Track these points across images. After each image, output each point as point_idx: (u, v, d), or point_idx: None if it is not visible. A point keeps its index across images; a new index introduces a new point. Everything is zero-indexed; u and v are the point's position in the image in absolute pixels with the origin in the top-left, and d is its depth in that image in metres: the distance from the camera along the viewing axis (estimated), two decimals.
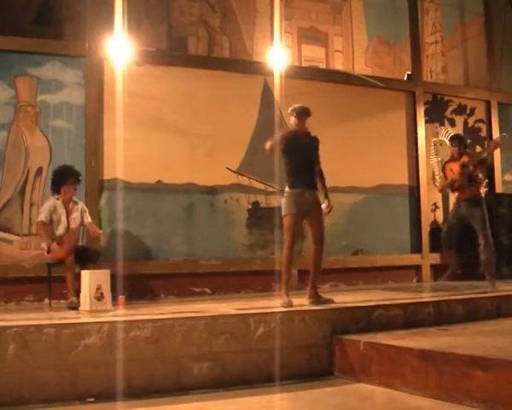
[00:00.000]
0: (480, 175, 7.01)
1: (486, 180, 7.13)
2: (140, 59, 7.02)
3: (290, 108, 5.64)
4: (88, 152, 6.66)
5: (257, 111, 7.61)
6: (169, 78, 7.18)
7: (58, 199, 5.88)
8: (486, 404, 3.47)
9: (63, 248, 5.63)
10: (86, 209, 6.07)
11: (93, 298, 5.10)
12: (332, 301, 5.33)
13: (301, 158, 5.43)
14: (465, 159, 6.82)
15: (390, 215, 8.28)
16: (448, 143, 7.71)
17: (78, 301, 5.30)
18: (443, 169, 7.27)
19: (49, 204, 5.87)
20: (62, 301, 5.85)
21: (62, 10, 6.92)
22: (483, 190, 6.91)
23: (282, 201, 5.51)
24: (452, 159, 7.09)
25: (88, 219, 6.02)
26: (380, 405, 3.83)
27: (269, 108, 7.61)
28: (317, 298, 5.36)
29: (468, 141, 9.01)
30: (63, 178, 5.90)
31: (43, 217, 5.82)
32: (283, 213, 5.42)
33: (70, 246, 5.67)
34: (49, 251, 5.67)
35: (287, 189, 5.46)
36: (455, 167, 6.93)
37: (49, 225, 5.81)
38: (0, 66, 6.42)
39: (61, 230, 5.81)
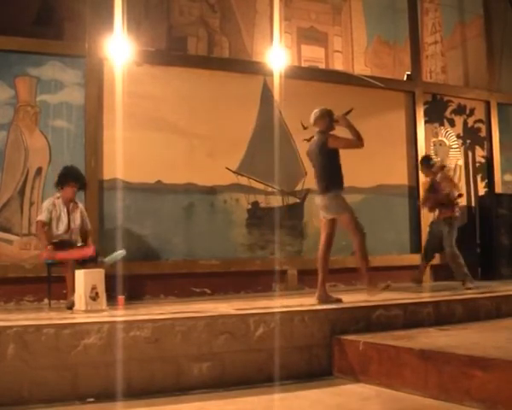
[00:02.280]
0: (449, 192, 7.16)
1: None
2: (140, 59, 7.02)
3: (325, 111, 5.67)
4: (88, 152, 6.67)
5: (256, 111, 7.61)
6: (169, 78, 7.18)
7: (58, 198, 5.88)
8: (486, 404, 3.47)
9: (57, 254, 5.62)
10: (86, 214, 6.07)
11: (88, 298, 5.11)
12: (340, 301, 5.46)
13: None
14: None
15: (390, 215, 8.29)
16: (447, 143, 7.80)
17: None
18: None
19: (49, 203, 5.87)
20: (62, 301, 5.85)
21: (62, 10, 6.92)
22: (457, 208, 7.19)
23: (330, 201, 5.52)
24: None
25: (88, 226, 6.03)
26: (379, 405, 3.82)
27: (268, 108, 7.62)
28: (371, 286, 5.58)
29: (468, 141, 9.05)
30: (65, 179, 5.90)
31: (43, 217, 5.81)
32: (341, 212, 5.50)
33: (65, 255, 5.62)
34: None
35: (335, 189, 5.54)
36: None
37: (49, 224, 5.81)
38: (0, 66, 6.42)
39: (61, 228, 5.80)
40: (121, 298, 5.71)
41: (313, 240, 7.84)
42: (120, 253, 5.87)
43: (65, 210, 5.86)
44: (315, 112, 5.66)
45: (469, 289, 6.62)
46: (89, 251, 5.65)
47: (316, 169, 5.68)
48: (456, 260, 6.96)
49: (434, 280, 8.20)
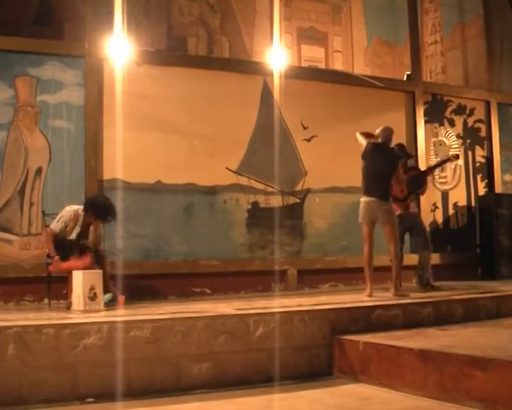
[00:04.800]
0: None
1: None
2: (139, 59, 7.02)
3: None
4: (87, 152, 6.66)
5: (256, 111, 7.61)
6: (168, 78, 7.18)
7: (81, 214, 5.80)
8: (486, 404, 3.47)
9: (62, 266, 5.61)
10: (100, 232, 5.97)
11: (86, 298, 5.11)
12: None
13: None
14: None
15: None
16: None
17: None
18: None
19: (69, 215, 5.76)
20: (62, 301, 5.85)
21: (62, 10, 6.92)
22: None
23: (389, 208, 6.12)
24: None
25: (99, 242, 6.00)
26: (379, 405, 3.82)
27: (268, 108, 7.62)
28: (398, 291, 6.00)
29: (468, 141, 9.05)
30: (87, 208, 5.76)
31: (56, 228, 5.71)
32: (392, 221, 6.15)
33: (68, 266, 5.58)
34: (50, 258, 5.68)
35: (390, 200, 6.18)
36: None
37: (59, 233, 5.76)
38: (0, 66, 6.42)
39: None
40: (121, 298, 5.71)
41: (313, 240, 7.85)
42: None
43: (79, 229, 5.77)
44: (388, 128, 6.23)
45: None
46: (86, 262, 5.60)
47: (378, 175, 6.06)
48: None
49: (434, 280, 8.19)
